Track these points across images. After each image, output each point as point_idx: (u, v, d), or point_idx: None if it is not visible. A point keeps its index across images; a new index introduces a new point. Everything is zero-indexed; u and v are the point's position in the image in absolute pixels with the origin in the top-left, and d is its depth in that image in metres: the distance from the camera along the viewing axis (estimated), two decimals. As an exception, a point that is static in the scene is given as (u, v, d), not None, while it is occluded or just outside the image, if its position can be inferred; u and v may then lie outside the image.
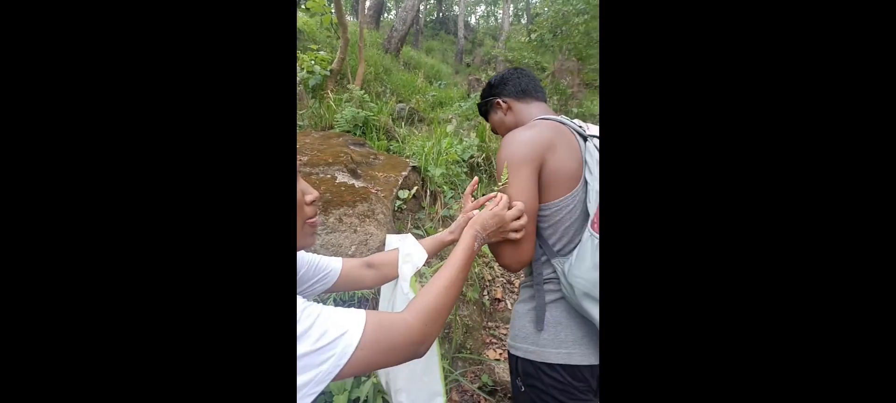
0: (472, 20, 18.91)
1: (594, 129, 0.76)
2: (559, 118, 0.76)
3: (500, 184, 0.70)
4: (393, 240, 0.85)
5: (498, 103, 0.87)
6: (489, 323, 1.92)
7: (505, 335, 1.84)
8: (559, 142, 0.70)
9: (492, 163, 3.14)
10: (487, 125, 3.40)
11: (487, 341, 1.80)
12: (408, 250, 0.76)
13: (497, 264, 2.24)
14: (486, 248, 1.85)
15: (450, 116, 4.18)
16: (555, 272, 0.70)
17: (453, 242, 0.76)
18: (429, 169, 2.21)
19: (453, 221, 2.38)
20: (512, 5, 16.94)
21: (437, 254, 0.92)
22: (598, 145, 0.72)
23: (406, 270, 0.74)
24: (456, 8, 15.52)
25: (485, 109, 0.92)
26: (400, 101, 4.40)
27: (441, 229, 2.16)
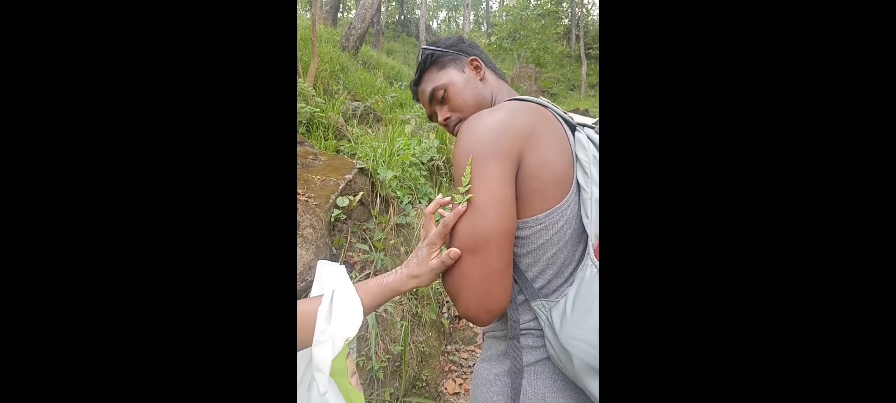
0: (434, 25, 18.97)
1: (580, 119, 0.56)
2: (538, 100, 0.54)
3: (461, 188, 0.46)
4: (324, 273, 0.52)
5: (473, 60, 0.62)
6: (448, 347, 1.70)
7: (466, 360, 1.62)
8: (542, 129, 0.48)
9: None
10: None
11: (446, 369, 1.57)
12: (335, 308, 0.43)
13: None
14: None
15: (409, 117, 3.94)
16: (536, 319, 0.49)
17: (409, 288, 0.50)
18: (379, 171, 1.95)
19: (408, 230, 2.15)
20: (473, 12, 17.19)
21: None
22: (592, 138, 0.51)
23: (323, 354, 0.40)
24: (418, 12, 15.41)
25: (438, 60, 0.62)
26: (356, 100, 4.08)
27: (393, 240, 1.91)
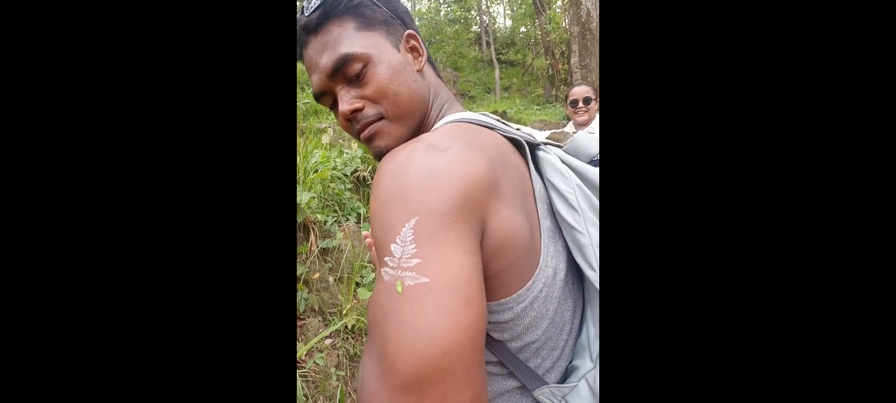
0: (346, 28, 18.21)
1: (537, 135, 0.43)
2: (483, 118, 0.39)
3: (390, 263, 0.27)
4: None
5: (411, 36, 0.43)
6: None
7: None
8: (501, 174, 0.32)
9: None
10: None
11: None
12: None
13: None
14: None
15: (325, 126, 3.58)
16: None
17: None
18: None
19: (337, 254, 1.89)
20: (386, 16, 16.96)
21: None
22: (566, 160, 0.40)
23: None
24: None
25: (361, 11, 0.40)
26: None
27: (319, 272, 1.64)
